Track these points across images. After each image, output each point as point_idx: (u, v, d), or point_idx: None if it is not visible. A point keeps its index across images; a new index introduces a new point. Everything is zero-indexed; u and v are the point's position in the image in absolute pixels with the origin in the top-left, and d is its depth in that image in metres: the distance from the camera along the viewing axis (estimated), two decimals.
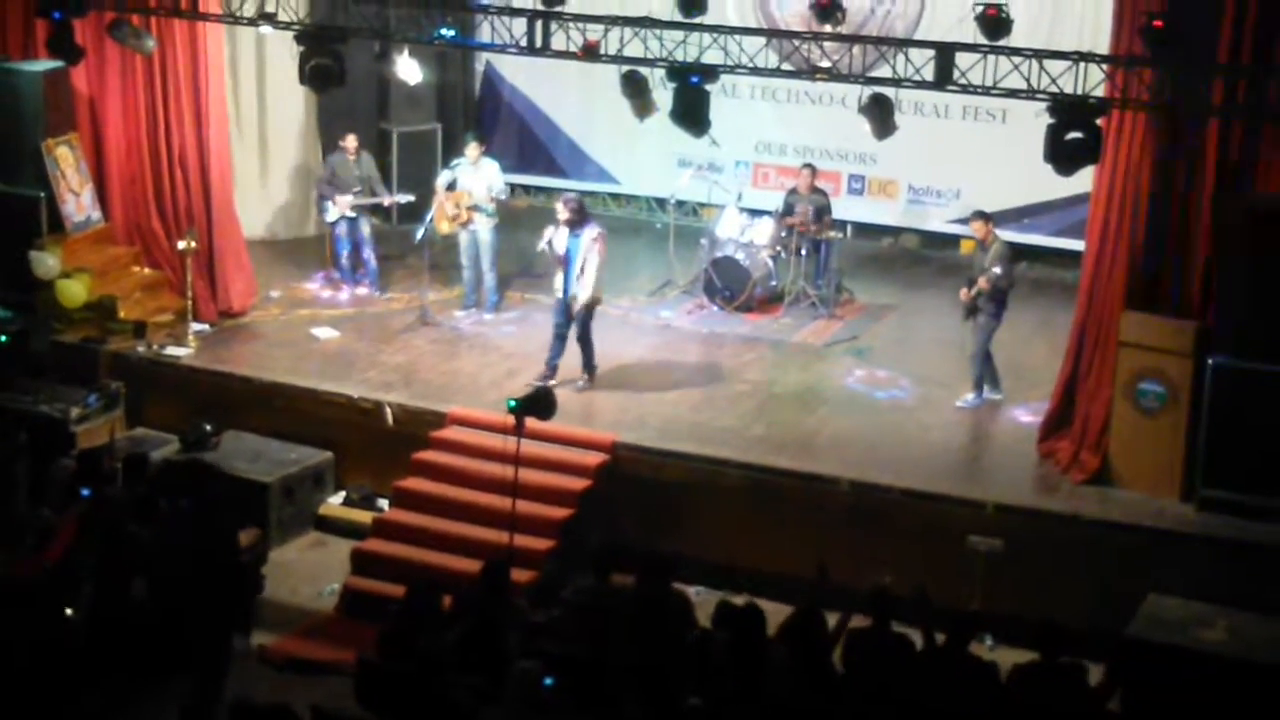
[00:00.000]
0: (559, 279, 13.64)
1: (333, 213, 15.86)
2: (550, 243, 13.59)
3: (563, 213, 13.61)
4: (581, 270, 13.47)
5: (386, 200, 16.06)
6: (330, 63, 13.22)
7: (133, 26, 14.02)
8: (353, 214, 15.83)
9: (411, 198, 15.96)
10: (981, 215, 13.62)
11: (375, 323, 15.32)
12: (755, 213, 16.06)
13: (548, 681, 8.50)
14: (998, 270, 13.26)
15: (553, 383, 13.48)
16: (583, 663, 9.08)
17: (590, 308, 13.65)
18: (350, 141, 15.94)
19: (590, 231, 13.55)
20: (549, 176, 19.35)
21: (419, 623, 9.55)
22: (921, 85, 11.83)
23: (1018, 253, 14.56)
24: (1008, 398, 13.68)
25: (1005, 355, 13.83)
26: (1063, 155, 11.21)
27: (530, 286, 15.97)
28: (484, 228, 15.34)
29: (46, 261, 14.60)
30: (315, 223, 18.00)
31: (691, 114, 12.21)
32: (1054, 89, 11.31)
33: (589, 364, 13.84)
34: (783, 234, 15.74)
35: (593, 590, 10.11)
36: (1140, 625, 10.75)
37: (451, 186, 15.34)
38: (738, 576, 12.02)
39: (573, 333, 13.71)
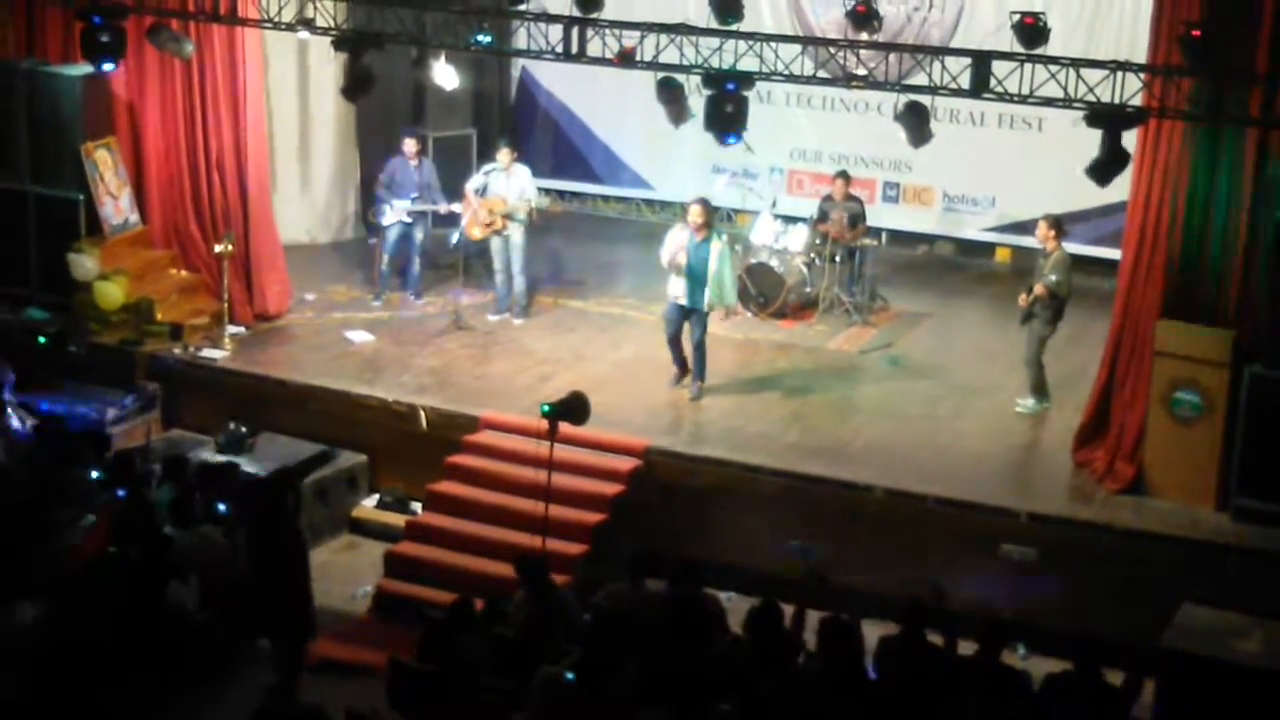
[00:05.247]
0: (681, 285, 13.45)
1: (388, 216, 15.76)
2: (684, 250, 13.33)
3: (698, 218, 13.35)
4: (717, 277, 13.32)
5: (442, 208, 15.81)
6: (363, 70, 13.28)
7: (171, 31, 14.10)
8: (408, 219, 15.77)
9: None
10: (1051, 221, 13.37)
11: (409, 326, 15.36)
12: (790, 219, 16.06)
13: (570, 676, 8.51)
14: (1055, 278, 13.19)
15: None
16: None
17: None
18: (410, 146, 15.82)
19: (719, 239, 13.43)
20: (584, 182, 19.40)
21: (458, 625, 9.57)
22: (958, 93, 11.80)
23: None
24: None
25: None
26: (1117, 164, 11.22)
27: (561, 292, 15.97)
28: (515, 232, 15.35)
29: (84, 264, 14.71)
30: (353, 226, 18.13)
31: (726, 121, 12.18)
32: (1091, 98, 11.28)
33: (702, 371, 13.75)
34: (817, 241, 15.72)
35: (625, 595, 10.12)
36: (1174, 636, 10.65)
37: (481, 191, 15.34)
38: (769, 583, 11.99)
39: (692, 338, 13.62)
